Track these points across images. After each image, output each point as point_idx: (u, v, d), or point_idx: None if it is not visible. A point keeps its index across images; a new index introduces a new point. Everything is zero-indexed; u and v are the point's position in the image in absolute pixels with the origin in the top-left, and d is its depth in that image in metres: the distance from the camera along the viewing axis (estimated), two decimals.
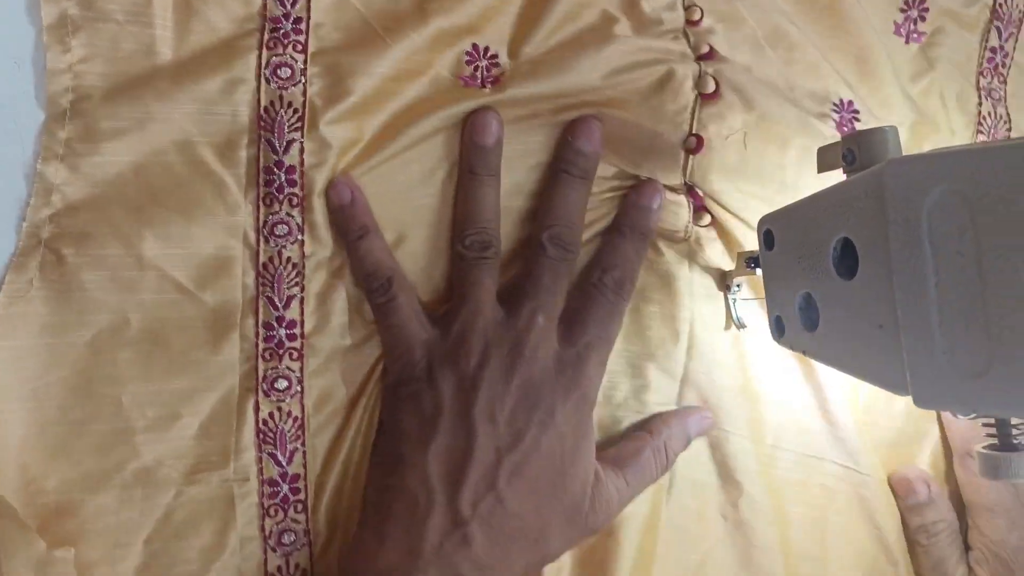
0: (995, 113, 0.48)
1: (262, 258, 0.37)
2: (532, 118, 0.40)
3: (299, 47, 0.38)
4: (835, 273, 0.31)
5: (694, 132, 0.41)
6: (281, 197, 0.37)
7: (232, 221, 0.37)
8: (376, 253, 0.37)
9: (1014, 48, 0.48)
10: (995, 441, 0.32)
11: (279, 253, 0.37)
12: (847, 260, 0.30)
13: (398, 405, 0.37)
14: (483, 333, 0.36)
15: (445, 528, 0.34)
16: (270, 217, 0.37)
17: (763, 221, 0.36)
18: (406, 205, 0.39)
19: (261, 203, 0.37)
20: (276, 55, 0.37)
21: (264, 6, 0.37)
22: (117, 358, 0.35)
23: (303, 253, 0.38)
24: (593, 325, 0.38)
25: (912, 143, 0.45)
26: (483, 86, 0.40)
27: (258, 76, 0.37)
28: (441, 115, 0.38)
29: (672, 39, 0.41)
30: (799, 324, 0.34)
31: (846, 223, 0.30)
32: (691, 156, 0.41)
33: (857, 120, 0.43)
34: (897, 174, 0.27)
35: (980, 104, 0.48)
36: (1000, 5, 0.47)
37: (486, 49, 0.40)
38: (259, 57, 0.37)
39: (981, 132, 0.48)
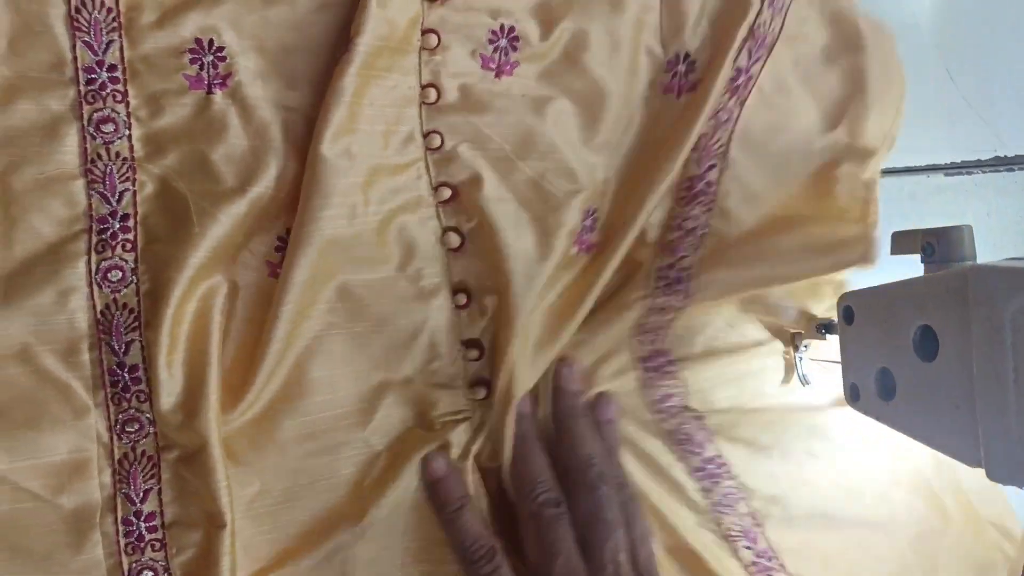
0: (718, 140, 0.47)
1: (117, 455, 0.38)
2: None
3: (128, 246, 0.39)
4: (915, 354, 0.35)
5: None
6: (128, 395, 0.38)
7: (83, 424, 0.38)
8: (476, 525, 0.40)
9: (759, 72, 0.46)
10: None
11: (133, 448, 0.38)
12: (927, 344, 0.35)
13: None
14: None
15: None
16: (120, 415, 0.38)
17: (844, 298, 0.41)
18: None
19: (110, 402, 0.38)
20: (105, 259, 0.38)
21: (90, 206, 0.38)
22: None
23: (158, 445, 0.39)
24: (641, 544, 0.41)
25: None
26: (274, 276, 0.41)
27: (90, 284, 0.38)
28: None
29: (416, 176, 0.43)
30: (875, 393, 0.39)
31: (928, 313, 0.35)
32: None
33: None
34: (982, 281, 0.31)
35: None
36: (757, 27, 0.45)
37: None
38: (88, 263, 0.38)
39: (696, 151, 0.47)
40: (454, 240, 0.43)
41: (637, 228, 0.44)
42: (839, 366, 0.46)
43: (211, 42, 0.39)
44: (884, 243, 0.42)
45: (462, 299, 0.44)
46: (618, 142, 0.45)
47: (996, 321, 0.31)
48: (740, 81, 0.45)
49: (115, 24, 0.38)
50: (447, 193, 0.43)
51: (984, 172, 0.52)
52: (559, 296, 0.45)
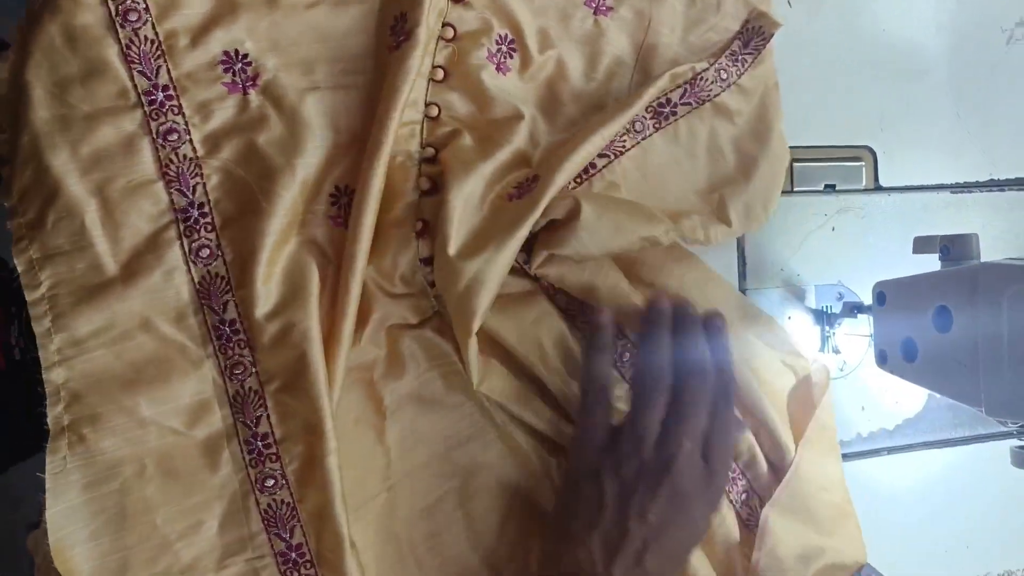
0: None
1: (230, 392, 0.47)
2: None
3: (209, 227, 0.47)
4: (933, 327, 0.48)
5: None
6: (231, 344, 0.47)
7: (200, 372, 0.46)
8: (604, 367, 0.49)
9: (683, 114, 0.56)
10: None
11: (241, 386, 0.47)
12: (943, 319, 0.48)
13: (574, 494, 0.47)
14: (643, 452, 0.46)
15: None
16: (227, 362, 0.47)
17: (878, 285, 0.53)
18: None
19: (218, 352, 0.47)
20: (194, 241, 0.46)
21: (171, 201, 0.46)
22: (145, 494, 0.45)
23: (260, 380, 0.47)
24: (718, 437, 0.48)
25: None
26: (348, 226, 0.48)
27: (186, 262, 0.46)
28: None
29: (410, 134, 0.50)
30: (900, 357, 0.51)
31: (945, 296, 0.47)
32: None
33: None
34: (989, 273, 0.44)
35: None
36: (700, 78, 0.55)
37: (346, 187, 0.49)
38: (181, 246, 0.46)
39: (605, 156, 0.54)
40: (425, 184, 0.51)
41: (561, 179, 0.50)
42: (865, 341, 0.59)
43: (237, 52, 0.48)
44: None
45: (419, 226, 0.50)
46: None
47: (996, 303, 0.43)
48: (665, 109, 0.55)
49: (159, 52, 0.46)
50: (431, 152, 0.51)
51: (981, 191, 0.64)
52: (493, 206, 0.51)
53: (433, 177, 0.51)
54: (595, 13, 0.55)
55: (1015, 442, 0.49)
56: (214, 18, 0.47)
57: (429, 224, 0.50)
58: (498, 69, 0.52)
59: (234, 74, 0.48)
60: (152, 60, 0.46)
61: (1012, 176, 0.65)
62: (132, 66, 0.46)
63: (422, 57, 0.48)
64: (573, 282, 0.52)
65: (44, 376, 0.44)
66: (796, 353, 0.57)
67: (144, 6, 0.46)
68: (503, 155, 0.51)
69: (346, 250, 0.47)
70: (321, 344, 0.46)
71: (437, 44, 0.51)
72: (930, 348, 0.49)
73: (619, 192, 0.54)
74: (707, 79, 0.55)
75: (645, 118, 0.55)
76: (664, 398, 0.48)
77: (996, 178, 0.65)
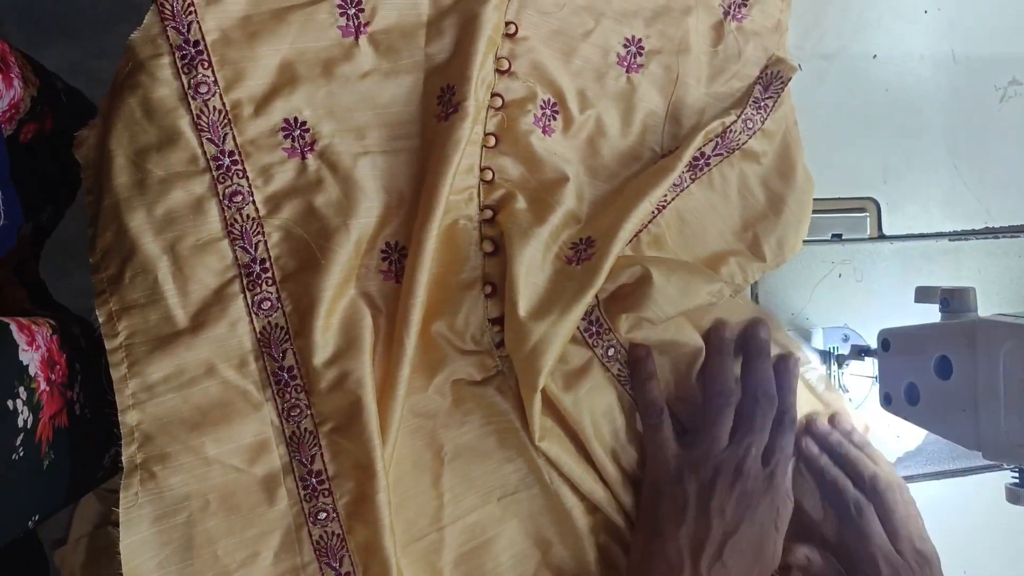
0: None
1: (287, 433, 0.50)
2: None
3: (270, 282, 0.50)
4: (935, 375, 0.52)
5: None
6: (289, 389, 0.50)
7: (259, 415, 0.50)
8: (655, 391, 0.56)
9: (716, 164, 0.61)
10: (1018, 480, 0.53)
11: (298, 427, 0.50)
12: (943, 368, 0.52)
13: (658, 497, 0.54)
14: (717, 457, 0.54)
15: None
16: (285, 405, 0.50)
17: (883, 332, 0.58)
18: None
19: (276, 396, 0.50)
20: (256, 294, 0.50)
21: (235, 257, 0.50)
22: (208, 526, 0.49)
23: (315, 422, 0.50)
24: (779, 451, 0.56)
25: None
26: (397, 280, 0.52)
27: (249, 313, 0.50)
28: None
29: (468, 199, 0.55)
30: (903, 400, 0.56)
31: (946, 347, 0.52)
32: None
33: None
34: (987, 330, 0.48)
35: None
36: (729, 130, 0.60)
37: (396, 243, 0.53)
38: (245, 299, 0.50)
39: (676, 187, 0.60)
40: (488, 247, 0.55)
41: (618, 246, 0.55)
42: (869, 381, 0.63)
43: (296, 119, 0.51)
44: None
45: (488, 288, 0.55)
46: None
47: (994, 356, 0.48)
48: (700, 162, 0.60)
49: (226, 121, 0.50)
50: (489, 213, 0.56)
51: (977, 239, 0.69)
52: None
53: (494, 239, 0.56)
54: (627, 71, 0.60)
55: (1010, 479, 0.54)
56: (276, 89, 0.51)
57: (497, 287, 0.55)
58: (544, 132, 0.57)
59: (293, 140, 0.52)
60: (220, 128, 0.50)
61: (1006, 224, 0.69)
62: (202, 134, 0.50)
63: (471, 128, 0.52)
64: (655, 341, 0.57)
65: (120, 418, 0.48)
66: (831, 388, 0.62)
67: (213, 79, 0.50)
68: (556, 218, 0.56)
69: (400, 303, 0.51)
70: (374, 390, 0.50)
71: (487, 113, 0.55)
72: (931, 394, 0.53)
73: (665, 241, 0.59)
74: (735, 130, 0.60)
75: (683, 173, 0.60)
76: (732, 411, 0.55)
77: (991, 226, 0.69)
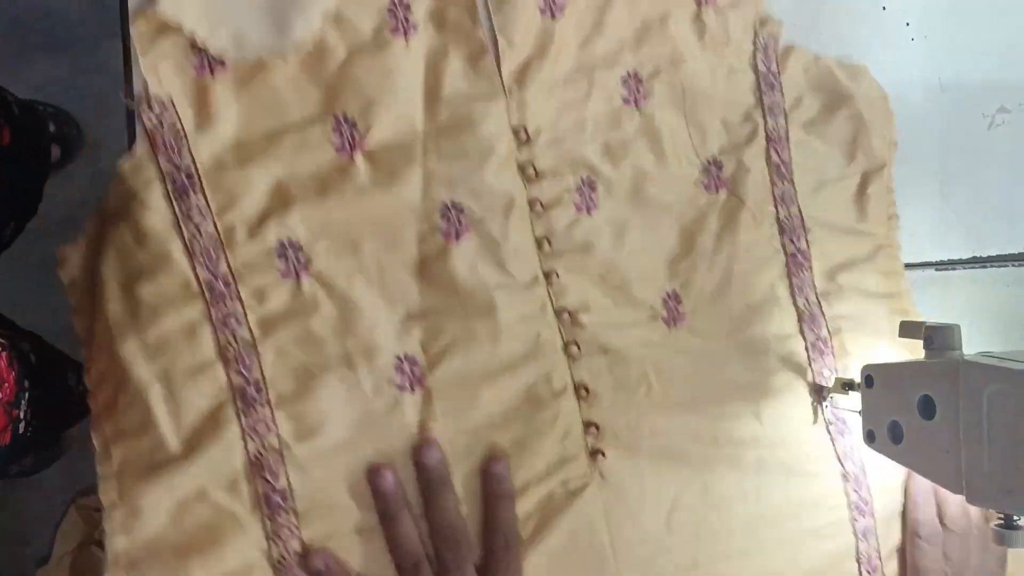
0: (790, 214, 0.62)
1: (274, 557, 0.50)
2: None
3: (265, 404, 0.50)
4: (918, 414, 0.51)
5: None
6: (279, 512, 0.50)
7: (247, 538, 0.49)
8: (409, 538, 0.51)
9: (790, 157, 0.62)
10: (1003, 522, 0.52)
11: (285, 548, 0.50)
12: (927, 407, 0.51)
13: None
14: None
15: None
16: (271, 527, 0.50)
17: (866, 368, 0.57)
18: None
19: (266, 519, 0.50)
20: (250, 417, 0.49)
21: (229, 380, 0.49)
22: None
23: (303, 543, 0.50)
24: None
25: None
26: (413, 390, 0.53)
27: (242, 437, 0.49)
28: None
29: (540, 307, 0.56)
30: (887, 438, 0.54)
31: (929, 386, 0.50)
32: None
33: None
34: (969, 371, 0.47)
35: (776, 212, 0.62)
36: (770, 129, 0.61)
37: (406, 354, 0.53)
38: (239, 423, 0.49)
39: (784, 233, 0.62)
40: (573, 350, 0.56)
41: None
42: (855, 415, 0.62)
43: (290, 240, 0.51)
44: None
45: (583, 392, 0.57)
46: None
47: (977, 399, 0.46)
48: (782, 168, 0.62)
49: (219, 245, 0.49)
50: (567, 317, 0.56)
51: (964, 268, 0.68)
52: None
53: (578, 342, 0.57)
54: (636, 106, 0.59)
55: (996, 521, 0.52)
56: (269, 211, 0.51)
57: (588, 388, 0.57)
58: (588, 212, 0.57)
59: (287, 261, 0.51)
60: (213, 253, 0.50)
61: (994, 253, 0.68)
62: (195, 260, 0.49)
63: (482, 251, 0.54)
64: None
65: (106, 543, 0.48)
66: None
67: (205, 204, 0.49)
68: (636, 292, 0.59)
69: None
70: None
71: (531, 220, 0.56)
72: (915, 433, 0.52)
73: None
74: (772, 127, 0.61)
75: (781, 184, 0.62)
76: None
77: (979, 255, 0.68)
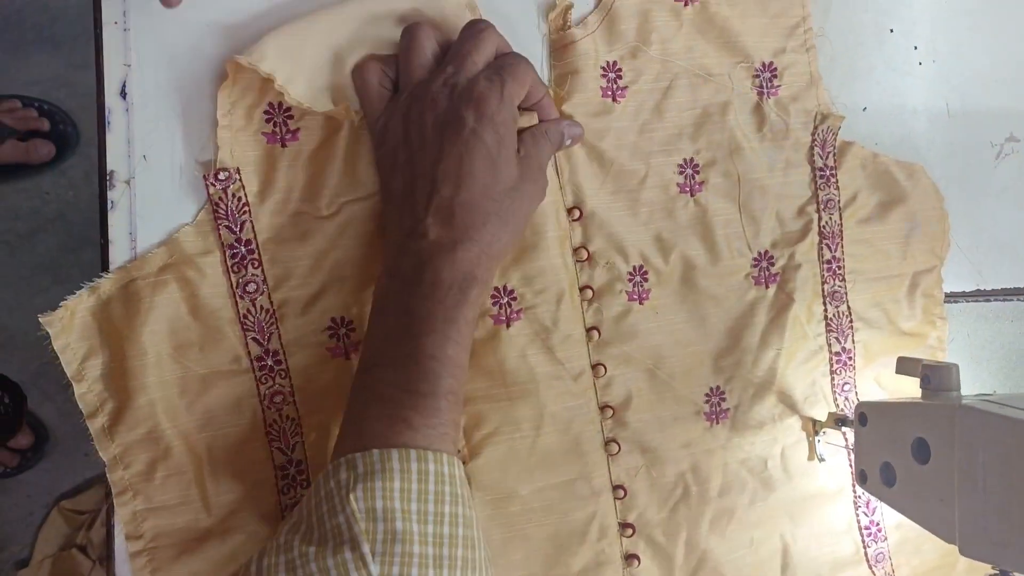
0: (838, 312, 0.61)
1: None
2: None
3: (305, 483, 0.49)
4: (912, 457, 0.49)
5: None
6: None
7: None
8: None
9: (843, 254, 0.61)
10: (997, 572, 0.50)
11: None
12: (921, 451, 0.48)
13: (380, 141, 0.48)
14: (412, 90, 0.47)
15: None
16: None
17: (860, 406, 0.54)
18: None
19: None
20: (290, 497, 0.49)
21: (272, 457, 0.49)
22: None
23: None
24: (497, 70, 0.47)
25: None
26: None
27: (281, 514, 0.49)
28: None
29: (585, 402, 0.55)
30: (880, 480, 0.52)
31: (924, 429, 0.48)
32: None
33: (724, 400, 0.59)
34: (966, 418, 0.45)
35: (825, 310, 0.61)
36: (823, 225, 0.60)
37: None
38: (279, 502, 0.49)
39: (831, 331, 0.61)
40: (614, 448, 0.56)
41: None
42: (846, 452, 0.60)
43: (343, 319, 0.50)
44: None
45: (620, 493, 0.56)
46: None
47: (974, 447, 0.44)
48: (834, 265, 0.60)
49: (272, 319, 0.49)
50: (610, 413, 0.55)
51: (968, 301, 0.66)
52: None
53: (618, 440, 0.56)
54: (691, 195, 0.58)
55: (990, 571, 0.50)
56: (325, 287, 0.50)
57: (626, 488, 0.57)
58: (640, 302, 0.56)
59: (339, 339, 0.51)
60: (266, 328, 0.49)
61: (998, 287, 0.66)
62: (247, 334, 0.49)
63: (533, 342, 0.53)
64: None
65: None
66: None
67: (262, 278, 0.49)
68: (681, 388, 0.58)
69: None
70: None
71: (583, 308, 0.55)
72: (908, 477, 0.50)
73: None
74: (825, 223, 0.60)
75: (833, 282, 0.61)
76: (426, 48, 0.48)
77: (983, 288, 0.66)
